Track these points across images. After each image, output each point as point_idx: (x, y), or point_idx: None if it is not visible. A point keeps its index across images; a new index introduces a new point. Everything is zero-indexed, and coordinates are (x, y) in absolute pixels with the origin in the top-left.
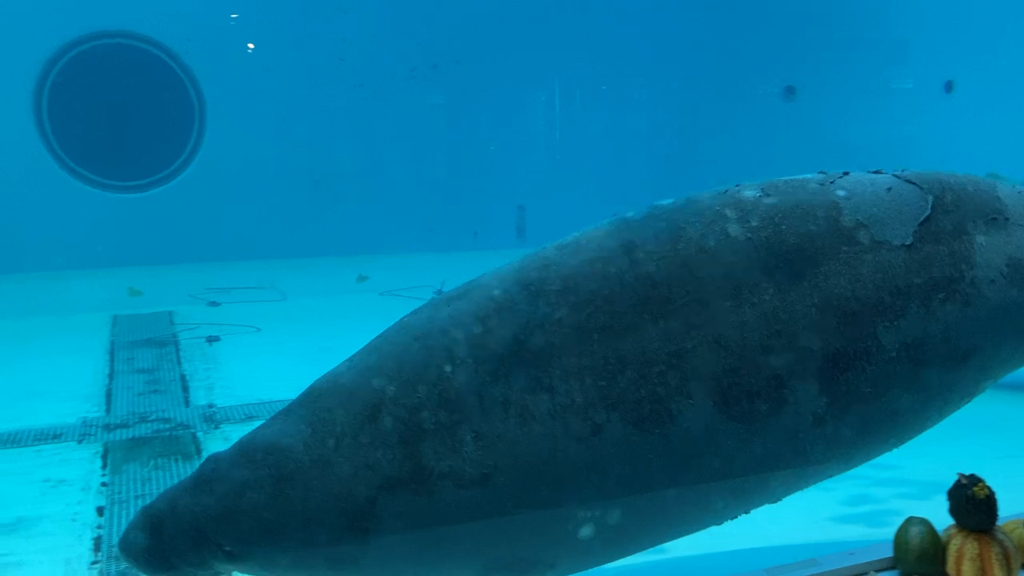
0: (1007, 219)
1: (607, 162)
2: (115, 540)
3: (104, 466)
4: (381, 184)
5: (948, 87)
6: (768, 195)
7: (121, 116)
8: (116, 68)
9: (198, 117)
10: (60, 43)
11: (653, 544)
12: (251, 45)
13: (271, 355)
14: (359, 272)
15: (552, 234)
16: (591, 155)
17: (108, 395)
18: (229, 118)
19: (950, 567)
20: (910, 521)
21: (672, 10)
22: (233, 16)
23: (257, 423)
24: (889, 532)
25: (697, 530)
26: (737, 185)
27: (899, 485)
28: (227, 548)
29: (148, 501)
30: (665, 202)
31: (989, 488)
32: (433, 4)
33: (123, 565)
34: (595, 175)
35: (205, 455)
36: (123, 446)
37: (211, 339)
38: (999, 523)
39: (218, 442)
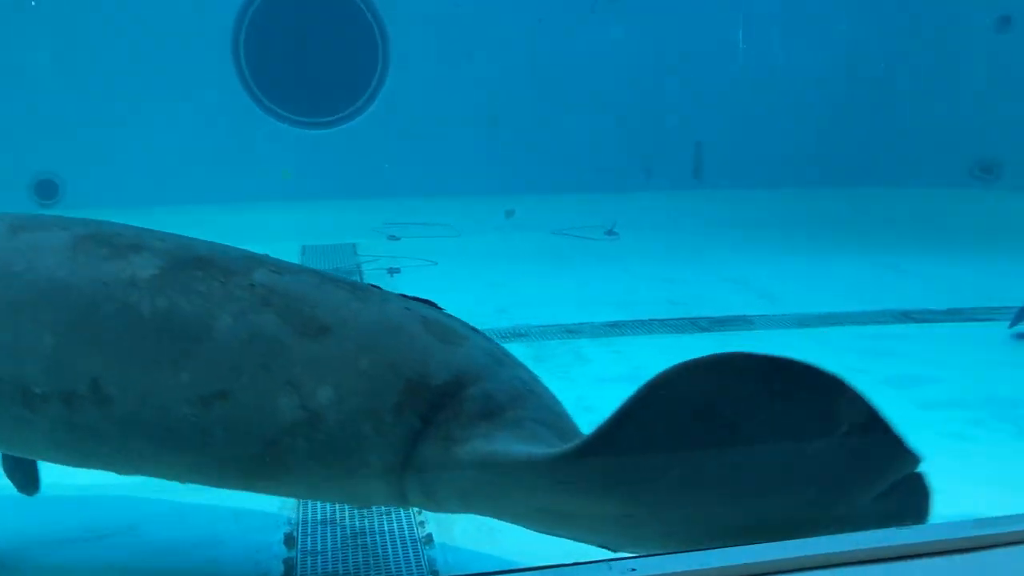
0: None
1: (793, 98)
2: None
3: None
4: (557, 122)
5: None
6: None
7: (310, 54)
8: (307, 7)
9: (381, 56)
10: None
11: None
12: None
13: (448, 287)
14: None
15: (732, 174)
16: (777, 90)
17: None
18: (411, 57)
19: None
20: None
21: None
22: None
23: None
24: None
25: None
26: None
27: None
28: None
29: None
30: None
31: None
32: None
33: None
34: (780, 112)
35: None
36: None
37: (392, 271)
38: None
39: None
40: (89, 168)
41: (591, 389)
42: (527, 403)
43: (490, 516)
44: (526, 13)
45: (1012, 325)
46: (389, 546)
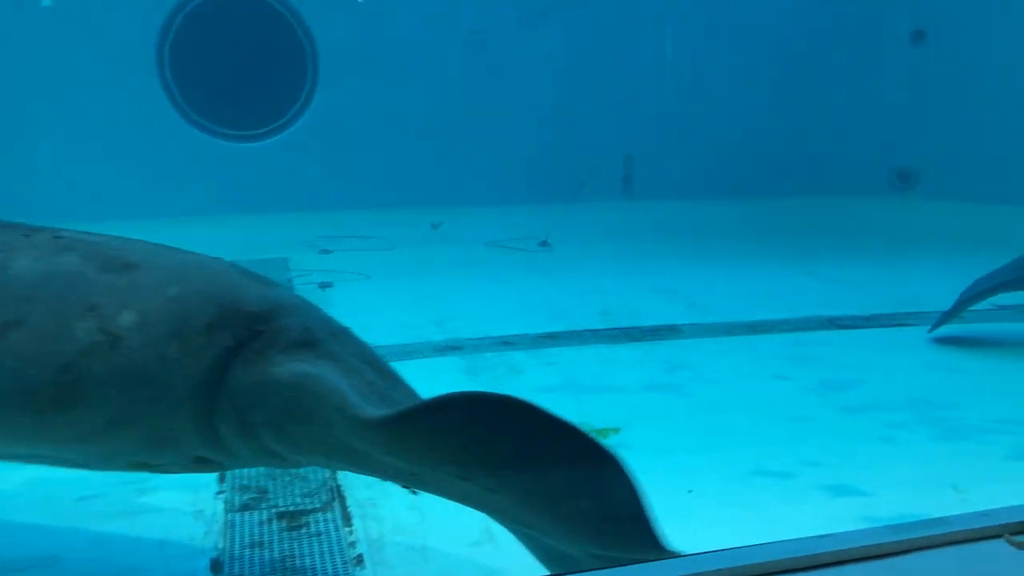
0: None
1: (719, 112)
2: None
3: None
4: (490, 134)
5: None
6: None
7: (238, 67)
8: (234, 19)
9: (311, 67)
10: None
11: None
12: None
13: (382, 301)
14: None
15: (661, 185)
16: (703, 104)
17: None
18: (342, 68)
19: None
20: None
21: None
22: None
23: None
24: None
25: None
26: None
27: None
28: None
29: None
30: None
31: None
32: None
33: (247, 496)
34: (707, 125)
35: None
36: None
37: (324, 285)
38: None
39: None
40: (8, 182)
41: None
42: (346, 340)
43: (302, 453)
44: (459, 26)
45: (932, 329)
46: (319, 569)
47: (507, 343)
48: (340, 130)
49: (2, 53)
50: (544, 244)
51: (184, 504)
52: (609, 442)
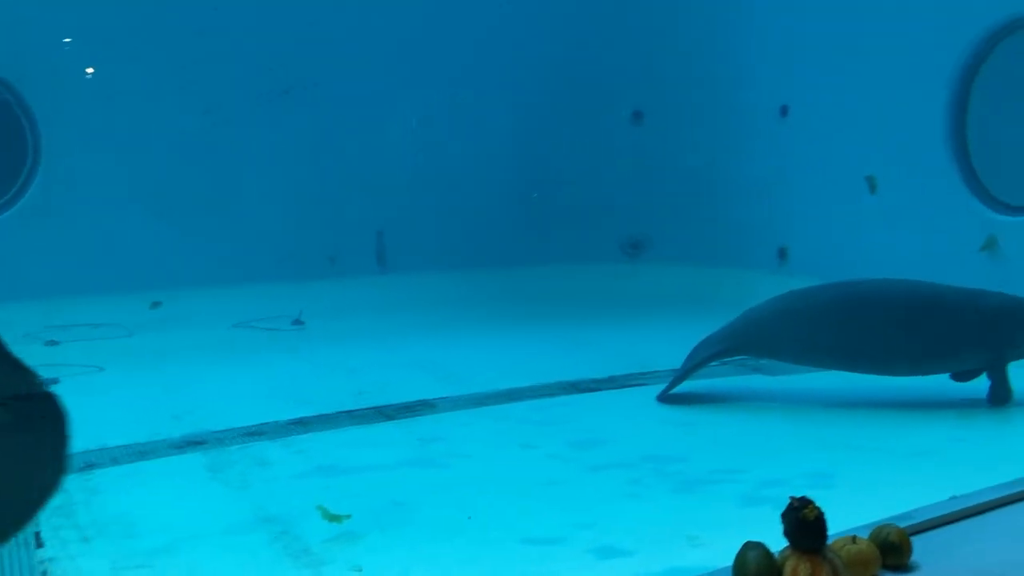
0: None
1: (467, 187)
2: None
3: None
4: (233, 212)
5: (783, 111)
6: None
7: None
8: None
9: (32, 147)
10: None
11: None
12: (90, 70)
13: (116, 396)
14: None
15: (413, 260)
16: (449, 179)
17: None
18: (66, 147)
19: None
20: (747, 546)
21: (528, 36)
22: (67, 40)
23: (98, 472)
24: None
25: None
26: None
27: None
28: None
29: None
30: None
31: (819, 509)
32: (282, 28)
33: None
34: (454, 198)
35: None
36: None
37: (48, 382)
38: (829, 542)
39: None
40: None
41: (269, 498)
42: None
43: None
44: (197, 101)
45: (661, 395)
46: None
47: (253, 434)
48: (68, 210)
49: None
50: (298, 322)
51: None
52: (342, 527)
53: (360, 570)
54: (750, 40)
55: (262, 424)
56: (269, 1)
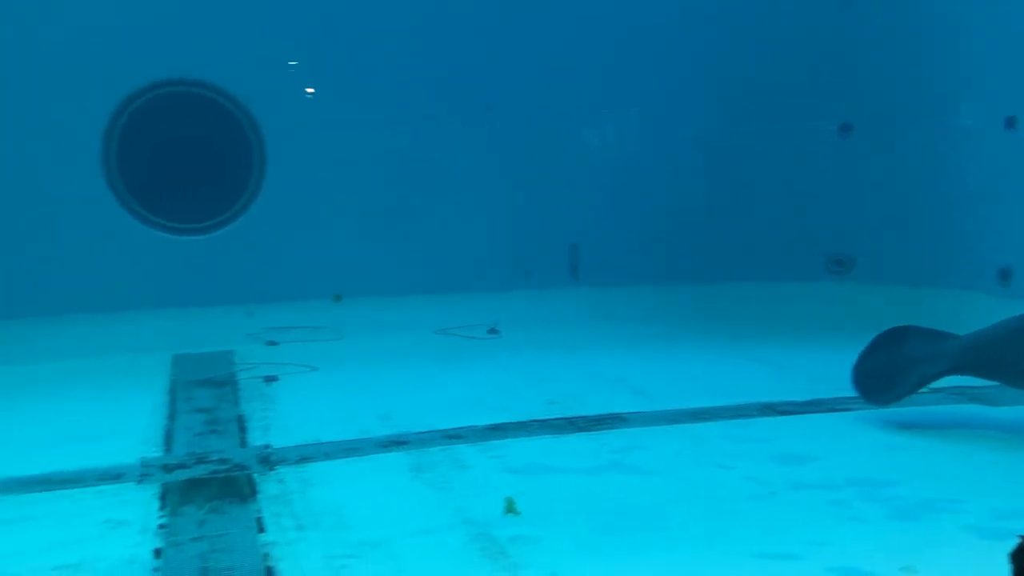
0: None
1: (662, 200)
2: None
3: (162, 508)
4: (434, 225)
5: (1010, 123)
6: None
7: (184, 162)
8: (180, 114)
9: (257, 159)
10: (128, 91)
11: None
12: (310, 90)
13: (327, 394)
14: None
15: (607, 274)
16: (645, 193)
17: (167, 436)
18: (288, 163)
19: None
20: None
21: (728, 45)
22: (292, 63)
23: (311, 465)
24: None
25: None
26: None
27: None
28: None
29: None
30: None
31: None
32: (485, 46)
33: None
34: (649, 213)
35: (260, 498)
36: (181, 488)
37: (269, 379)
38: None
39: (272, 484)
40: None
41: (469, 499)
42: None
43: None
44: (406, 118)
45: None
46: None
47: (453, 437)
48: (287, 222)
49: None
50: (493, 331)
51: None
52: (539, 532)
53: None
54: (972, 47)
55: (461, 428)
56: (472, 23)
